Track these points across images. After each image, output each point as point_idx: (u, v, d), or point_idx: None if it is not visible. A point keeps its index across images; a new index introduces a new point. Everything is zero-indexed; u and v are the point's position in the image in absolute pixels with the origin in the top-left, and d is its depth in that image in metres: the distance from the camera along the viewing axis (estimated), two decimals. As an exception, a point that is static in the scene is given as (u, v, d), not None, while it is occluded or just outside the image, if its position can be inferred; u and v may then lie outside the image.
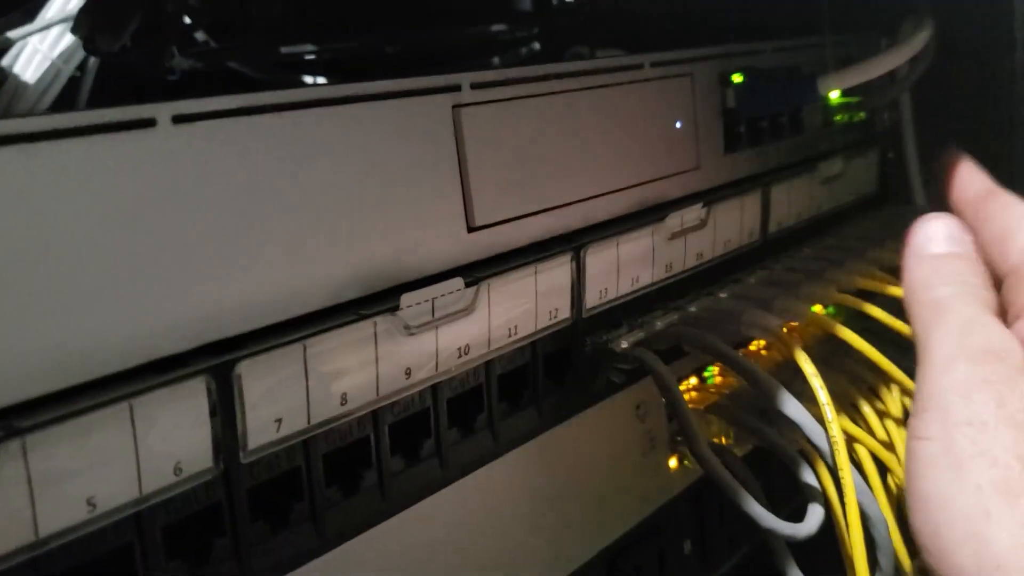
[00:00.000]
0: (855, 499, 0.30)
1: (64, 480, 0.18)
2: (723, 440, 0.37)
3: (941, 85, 0.50)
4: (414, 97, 0.26)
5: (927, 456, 0.23)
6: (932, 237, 0.28)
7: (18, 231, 0.18)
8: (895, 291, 0.38)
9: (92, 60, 0.50)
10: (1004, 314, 0.27)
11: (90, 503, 0.19)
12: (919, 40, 0.41)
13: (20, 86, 0.44)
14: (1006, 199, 0.31)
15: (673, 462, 0.37)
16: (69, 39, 0.50)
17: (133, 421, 0.19)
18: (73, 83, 0.51)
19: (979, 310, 0.26)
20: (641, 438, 0.36)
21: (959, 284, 0.26)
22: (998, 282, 0.28)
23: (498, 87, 0.28)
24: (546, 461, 0.31)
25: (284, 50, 0.47)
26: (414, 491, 0.26)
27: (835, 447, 0.30)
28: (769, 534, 0.33)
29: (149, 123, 0.21)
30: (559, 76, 0.30)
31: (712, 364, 0.39)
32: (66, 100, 0.51)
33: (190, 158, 0.21)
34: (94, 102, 0.50)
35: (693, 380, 0.38)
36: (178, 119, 0.21)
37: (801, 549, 0.35)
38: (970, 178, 0.32)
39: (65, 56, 0.52)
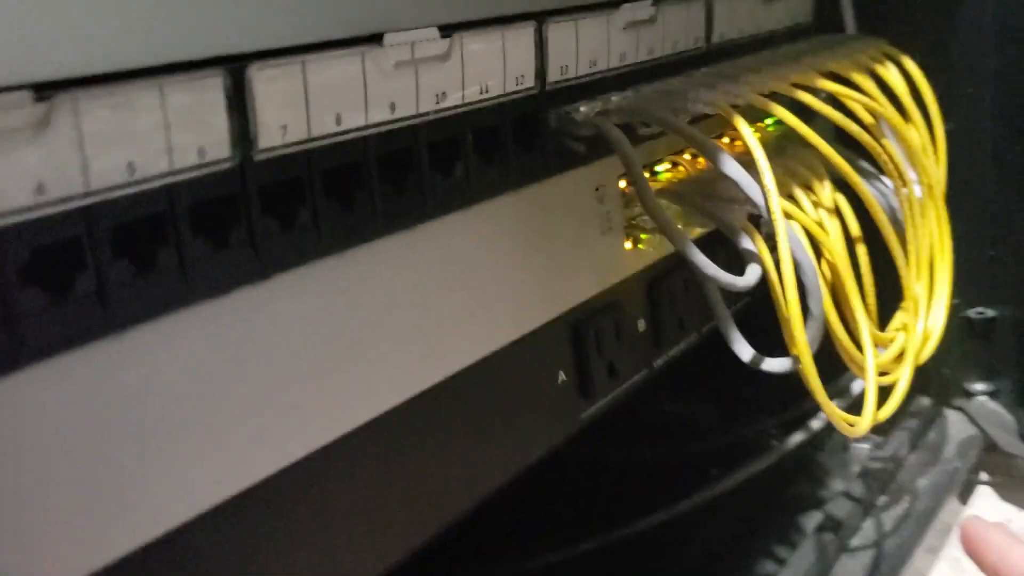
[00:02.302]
0: (787, 244, 0.35)
1: (109, 142, 0.22)
2: (673, 222, 0.41)
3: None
4: None
5: None
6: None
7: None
8: (825, 84, 0.42)
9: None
10: None
11: (130, 167, 0.22)
12: None
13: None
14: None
15: (628, 245, 0.41)
16: None
17: (164, 101, 0.23)
18: None
19: None
20: (599, 218, 0.39)
21: None
22: None
23: None
24: (512, 219, 0.35)
25: None
26: (401, 218, 0.30)
27: (767, 196, 0.34)
28: (710, 289, 0.38)
29: None
30: None
31: (662, 160, 0.43)
32: None
33: None
34: None
35: (645, 174, 0.42)
36: None
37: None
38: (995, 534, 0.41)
39: None
